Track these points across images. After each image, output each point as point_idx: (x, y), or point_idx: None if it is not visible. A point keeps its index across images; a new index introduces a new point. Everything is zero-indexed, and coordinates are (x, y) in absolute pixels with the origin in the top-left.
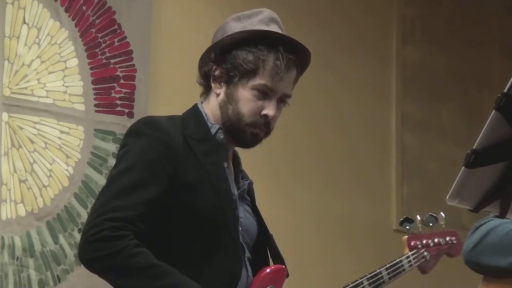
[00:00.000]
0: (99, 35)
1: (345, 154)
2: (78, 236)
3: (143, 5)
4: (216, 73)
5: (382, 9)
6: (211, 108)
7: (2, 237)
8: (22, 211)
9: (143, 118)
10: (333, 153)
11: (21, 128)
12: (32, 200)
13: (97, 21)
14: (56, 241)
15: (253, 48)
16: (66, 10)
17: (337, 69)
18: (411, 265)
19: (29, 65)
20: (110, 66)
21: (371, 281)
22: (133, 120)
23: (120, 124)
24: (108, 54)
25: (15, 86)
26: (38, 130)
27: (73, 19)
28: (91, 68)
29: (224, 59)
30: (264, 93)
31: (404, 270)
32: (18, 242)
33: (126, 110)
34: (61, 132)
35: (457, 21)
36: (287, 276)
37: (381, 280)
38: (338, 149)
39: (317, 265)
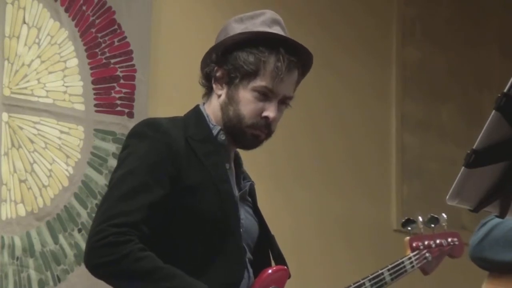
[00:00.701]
0: (99, 35)
1: (345, 154)
2: (78, 236)
3: (143, 5)
4: (218, 74)
5: (382, 9)
6: (212, 109)
7: (2, 237)
8: (22, 211)
9: (144, 120)
10: (333, 153)
11: (21, 128)
12: (32, 200)
13: (97, 21)
14: (56, 241)
15: (254, 49)
16: (66, 10)
17: (337, 69)
18: (413, 266)
19: (29, 65)
20: (110, 66)
21: (373, 282)
22: (133, 120)
23: (120, 124)
24: (108, 54)
25: (15, 86)
26: (38, 130)
27: (73, 19)
28: (91, 68)
29: (225, 60)
30: (264, 95)
31: (406, 271)
32: (18, 242)
33: (126, 110)
34: (61, 132)
35: (457, 21)
36: (289, 277)
37: (383, 281)
38: (338, 149)
39: (317, 265)
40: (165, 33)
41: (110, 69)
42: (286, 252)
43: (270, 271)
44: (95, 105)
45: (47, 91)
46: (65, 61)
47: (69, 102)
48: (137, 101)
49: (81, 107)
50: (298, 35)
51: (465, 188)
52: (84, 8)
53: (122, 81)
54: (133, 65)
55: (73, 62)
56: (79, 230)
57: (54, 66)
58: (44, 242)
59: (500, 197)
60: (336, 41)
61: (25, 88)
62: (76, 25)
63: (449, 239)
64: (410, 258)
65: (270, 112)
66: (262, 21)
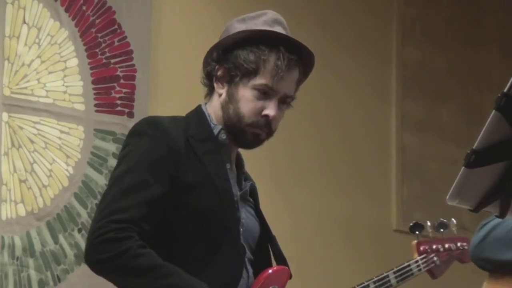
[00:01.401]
0: (99, 35)
1: (345, 154)
2: (78, 236)
3: (143, 5)
4: (219, 73)
5: (382, 9)
6: (213, 108)
7: (2, 237)
8: (22, 211)
9: (145, 118)
10: (333, 153)
11: (21, 128)
12: (32, 200)
13: (97, 21)
14: (56, 241)
15: (255, 48)
16: (66, 10)
17: (337, 69)
18: (420, 270)
19: (29, 65)
20: (110, 66)
21: (377, 284)
22: (133, 120)
23: (120, 124)
24: (108, 54)
25: (15, 86)
26: (38, 130)
27: (73, 19)
28: (91, 68)
29: (226, 59)
30: (265, 93)
31: (412, 274)
32: (18, 242)
33: (126, 110)
34: (61, 132)
35: (457, 21)
36: (290, 277)
37: (388, 284)
38: (338, 149)
39: (317, 265)
40: (165, 33)
41: (110, 69)
42: (286, 252)
43: (270, 271)
44: (95, 105)
45: (47, 91)
46: (65, 61)
47: (69, 102)
48: (137, 101)
49: (81, 107)
50: (298, 35)
51: (465, 188)
52: (84, 8)
53: (122, 81)
54: (133, 65)
55: (73, 62)
56: (79, 230)
57: (54, 66)
58: (44, 242)
59: (500, 197)
60: (336, 41)
61: (25, 88)
62: (76, 25)
63: (459, 244)
64: (417, 261)
65: (270, 110)
66: (264, 21)
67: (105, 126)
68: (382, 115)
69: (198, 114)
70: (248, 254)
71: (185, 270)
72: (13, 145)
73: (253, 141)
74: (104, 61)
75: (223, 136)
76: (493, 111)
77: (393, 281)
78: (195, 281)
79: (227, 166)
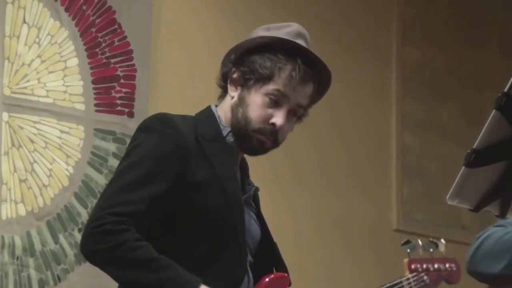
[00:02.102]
0: (99, 34)
1: (345, 154)
2: (78, 236)
3: (143, 5)
4: (234, 75)
5: (382, 9)
6: (224, 110)
7: (2, 237)
8: (22, 211)
9: (156, 114)
10: (333, 153)
11: (21, 128)
12: (32, 199)
13: (97, 21)
14: (56, 240)
15: (272, 55)
16: (66, 10)
17: (337, 69)
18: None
19: (29, 65)
20: (110, 66)
21: None
22: (133, 120)
23: (120, 124)
24: (108, 54)
25: (15, 86)
26: (38, 129)
27: (73, 19)
28: (91, 68)
29: (242, 62)
30: (276, 102)
31: None
32: (18, 241)
33: (126, 110)
34: (61, 131)
35: (457, 21)
36: (290, 284)
37: None
38: (338, 149)
39: (318, 265)
40: (165, 33)
41: (110, 68)
42: (286, 252)
43: (270, 277)
44: (95, 105)
45: (47, 90)
46: (65, 61)
47: (69, 101)
48: (137, 100)
49: (81, 106)
50: None
51: (465, 188)
52: (84, 7)
53: (122, 80)
54: (133, 65)
55: (73, 61)
56: (79, 230)
57: (54, 65)
58: (44, 241)
59: (500, 197)
60: (336, 41)
61: (25, 87)
62: (76, 25)
63: (447, 265)
64: (408, 279)
65: (277, 119)
66: (287, 32)
67: (105, 126)
68: (382, 115)
69: (208, 114)
70: (249, 257)
71: (188, 268)
72: (13, 144)
73: (258, 148)
74: (104, 60)
75: (231, 138)
76: (493, 110)
77: None
78: (191, 276)
79: (234, 168)
